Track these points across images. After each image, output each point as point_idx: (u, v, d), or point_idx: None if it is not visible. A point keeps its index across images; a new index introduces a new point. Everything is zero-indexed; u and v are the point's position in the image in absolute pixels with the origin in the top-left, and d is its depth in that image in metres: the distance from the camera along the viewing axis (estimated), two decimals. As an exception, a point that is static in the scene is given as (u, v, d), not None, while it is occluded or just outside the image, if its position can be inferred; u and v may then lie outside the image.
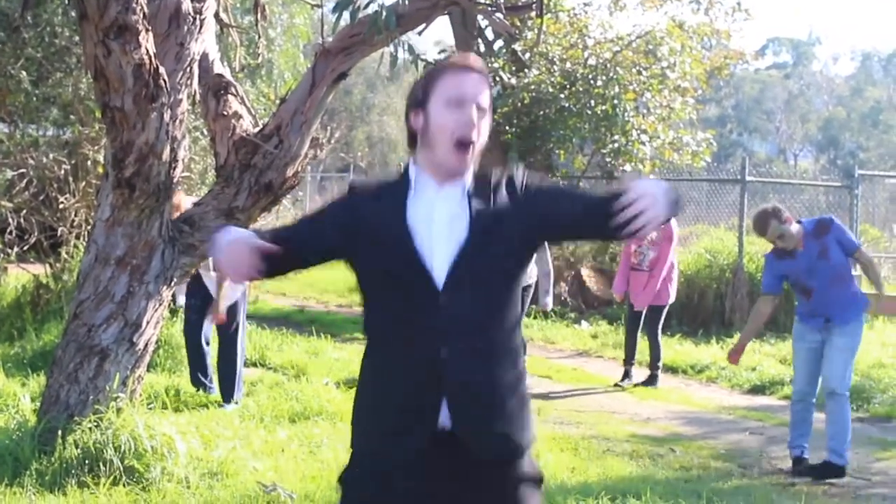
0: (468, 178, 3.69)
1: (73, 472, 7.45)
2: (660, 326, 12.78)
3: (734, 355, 9.41)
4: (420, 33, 8.48)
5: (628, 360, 12.97)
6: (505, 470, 3.67)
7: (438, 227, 3.61)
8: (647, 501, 7.79)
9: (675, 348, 14.49)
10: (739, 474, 9.07)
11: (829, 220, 8.93)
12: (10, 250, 14.17)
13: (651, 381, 12.80)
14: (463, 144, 3.61)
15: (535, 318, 16.73)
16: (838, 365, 8.89)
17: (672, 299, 12.78)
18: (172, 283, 8.15)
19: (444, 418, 3.55)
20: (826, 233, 8.81)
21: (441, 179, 3.68)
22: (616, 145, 16.96)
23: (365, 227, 3.66)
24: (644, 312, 12.71)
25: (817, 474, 8.82)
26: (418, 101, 3.73)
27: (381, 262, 3.65)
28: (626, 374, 12.92)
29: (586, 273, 17.63)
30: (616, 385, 12.72)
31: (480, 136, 3.68)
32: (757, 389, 12.73)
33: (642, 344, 12.92)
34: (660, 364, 12.90)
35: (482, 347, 3.60)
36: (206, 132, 12.98)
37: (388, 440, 3.64)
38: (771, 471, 9.19)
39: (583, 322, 16.53)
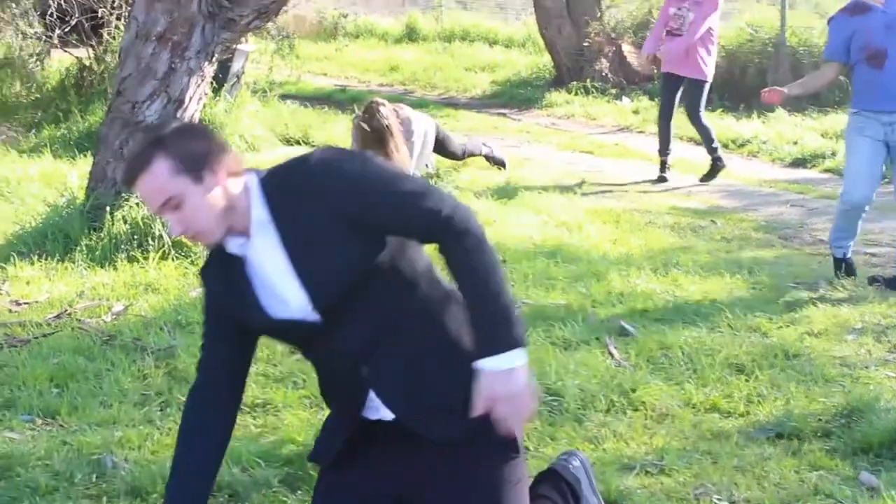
0: (256, 218, 3.31)
1: (122, 246, 7.60)
2: (702, 106, 11.51)
3: (774, 95, 8.04)
4: None
5: (663, 150, 11.67)
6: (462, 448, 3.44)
7: (272, 278, 3.34)
8: (688, 272, 7.88)
9: (716, 123, 14.36)
10: (780, 245, 9.13)
11: None
12: (51, 33, 14.15)
13: (715, 168, 11.53)
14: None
15: (576, 94, 16.64)
16: None
17: (710, 76, 11.41)
18: (214, 60, 8.16)
19: (381, 409, 3.45)
20: None
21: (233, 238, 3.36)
22: None
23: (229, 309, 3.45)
24: (679, 92, 11.42)
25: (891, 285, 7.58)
26: None
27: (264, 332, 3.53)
28: (663, 167, 11.63)
29: (627, 48, 17.42)
30: (658, 180, 11.52)
31: (194, 225, 3.25)
32: (798, 163, 12.60)
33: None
34: (716, 145, 11.55)
35: (395, 340, 3.40)
36: None
37: (333, 424, 3.64)
38: (811, 241, 9.23)
39: (624, 98, 16.40)
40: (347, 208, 3.23)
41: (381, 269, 3.33)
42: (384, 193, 3.25)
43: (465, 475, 3.44)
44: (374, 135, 8.48)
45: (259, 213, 3.29)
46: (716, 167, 11.50)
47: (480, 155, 11.29)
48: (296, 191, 3.27)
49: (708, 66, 11.27)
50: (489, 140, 12.16)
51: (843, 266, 7.74)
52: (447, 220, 3.23)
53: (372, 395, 3.42)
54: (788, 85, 8.36)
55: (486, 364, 3.20)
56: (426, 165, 10.16)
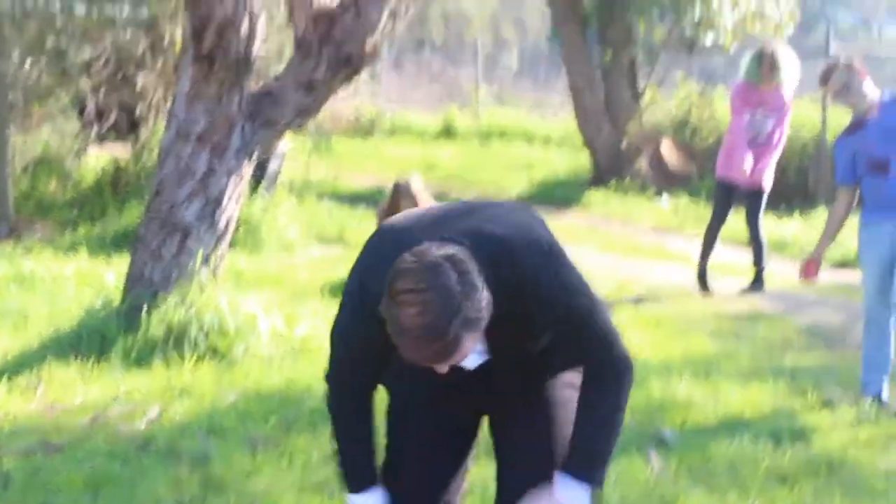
0: None
1: (157, 348, 7.54)
2: (761, 217, 11.04)
3: (810, 268, 7.79)
4: None
5: (705, 254, 11.04)
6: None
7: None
8: (730, 377, 7.74)
9: (757, 223, 14.30)
10: (823, 350, 8.97)
11: None
12: (89, 130, 14.22)
13: (757, 283, 11.05)
14: None
15: (614, 192, 16.61)
16: None
17: (770, 185, 10.97)
18: (252, 159, 8.13)
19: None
20: None
21: None
22: (697, 16, 16.64)
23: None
24: (734, 196, 10.93)
25: None
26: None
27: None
28: (703, 274, 11.01)
29: (666, 147, 17.43)
30: (701, 291, 10.98)
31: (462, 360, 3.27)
32: (841, 265, 12.45)
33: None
34: (764, 264, 11.04)
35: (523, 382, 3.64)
36: (281, 8, 12.89)
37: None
38: (856, 346, 9.04)
39: (663, 197, 16.38)
40: (550, 314, 3.37)
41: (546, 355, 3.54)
42: (583, 320, 3.44)
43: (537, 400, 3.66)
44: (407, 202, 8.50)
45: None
46: (758, 283, 11.06)
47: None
48: (514, 300, 3.29)
49: (770, 175, 10.88)
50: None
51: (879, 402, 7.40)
52: (613, 360, 3.47)
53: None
54: (817, 246, 7.88)
55: (563, 481, 3.44)
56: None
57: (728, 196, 10.93)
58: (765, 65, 10.36)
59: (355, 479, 3.64)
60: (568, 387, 3.66)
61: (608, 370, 3.47)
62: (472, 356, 3.35)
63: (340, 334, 3.56)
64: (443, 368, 3.17)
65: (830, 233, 7.76)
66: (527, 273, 3.30)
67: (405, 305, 3.01)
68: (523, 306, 3.31)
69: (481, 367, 3.48)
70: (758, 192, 10.83)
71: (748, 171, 10.52)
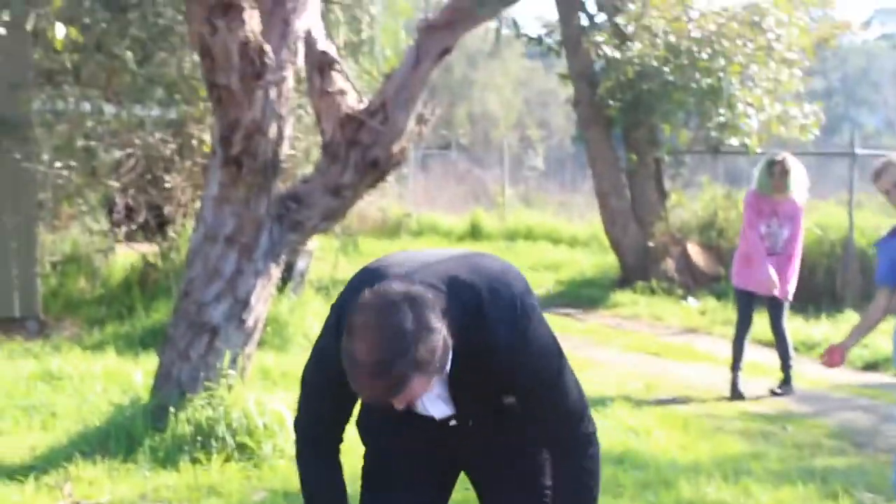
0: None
1: (185, 448, 7.54)
2: (785, 321, 11.00)
3: (835, 355, 7.38)
4: (524, 5, 8.39)
5: (735, 365, 10.95)
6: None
7: (425, 397, 3.44)
8: (759, 479, 7.70)
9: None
10: (853, 452, 8.92)
11: None
12: (118, 230, 14.34)
13: (786, 385, 10.99)
14: None
15: (641, 294, 16.62)
16: None
17: (792, 293, 10.88)
18: (280, 261, 8.17)
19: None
20: None
21: None
22: (722, 119, 16.70)
23: None
24: (755, 303, 10.87)
25: None
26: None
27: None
28: (735, 383, 10.85)
29: (693, 249, 17.44)
30: (735, 397, 10.77)
31: (417, 399, 3.31)
32: (870, 367, 12.40)
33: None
34: (791, 363, 11.00)
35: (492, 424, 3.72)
36: (308, 110, 13.00)
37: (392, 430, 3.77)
38: (886, 449, 9.01)
39: (690, 298, 16.36)
40: (512, 379, 3.45)
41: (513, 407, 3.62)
42: (547, 387, 3.47)
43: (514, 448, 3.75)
44: None
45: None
46: (787, 385, 10.98)
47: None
48: (479, 356, 3.35)
49: (793, 284, 10.78)
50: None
51: None
52: (577, 436, 3.54)
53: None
54: (847, 337, 7.58)
55: None
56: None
57: (749, 304, 10.92)
58: (776, 175, 10.41)
59: None
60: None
61: (571, 445, 3.52)
62: (438, 405, 3.47)
63: (312, 366, 3.66)
64: (398, 405, 3.18)
65: (864, 328, 7.59)
66: (491, 326, 3.33)
67: (357, 340, 3.07)
68: (488, 361, 3.35)
69: (452, 420, 3.57)
70: (779, 301, 10.81)
71: (776, 283, 10.53)
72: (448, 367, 3.27)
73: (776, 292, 10.58)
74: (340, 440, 3.73)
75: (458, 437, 3.67)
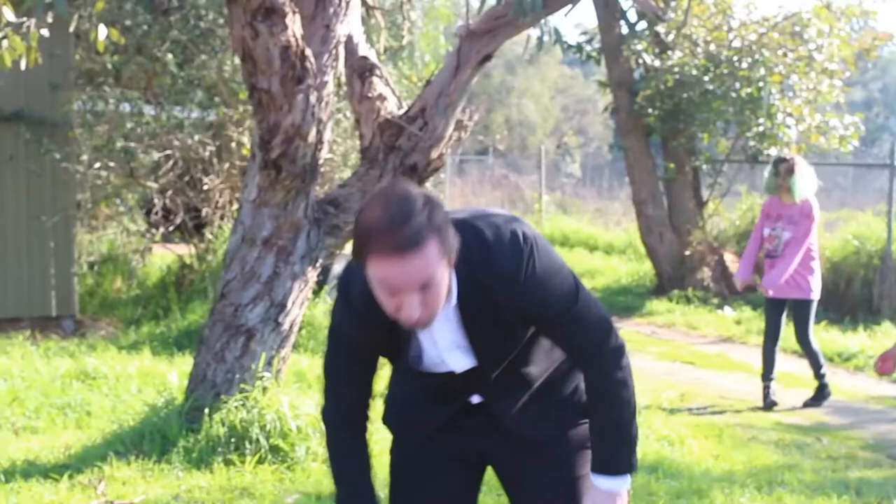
0: (452, 297, 3.38)
1: (219, 449, 7.56)
2: (810, 328, 10.67)
3: (888, 362, 6.96)
4: (566, 14, 8.39)
5: (767, 375, 10.79)
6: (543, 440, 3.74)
7: (443, 347, 3.52)
8: (793, 491, 7.67)
9: (821, 336, 14.13)
10: (889, 465, 8.87)
11: None
12: (155, 230, 14.42)
13: (820, 395, 10.83)
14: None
15: (677, 303, 16.59)
16: None
17: (817, 294, 10.62)
18: (317, 264, 8.19)
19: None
20: None
21: None
22: (761, 129, 16.63)
23: (377, 340, 3.55)
24: (784, 313, 10.67)
25: None
26: (357, 256, 3.20)
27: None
28: (767, 393, 10.72)
29: (729, 258, 17.39)
30: (767, 407, 10.65)
31: (429, 309, 3.22)
32: (906, 379, 12.39)
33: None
34: (824, 371, 10.78)
35: (522, 378, 3.68)
36: (348, 114, 13.04)
37: (419, 413, 3.78)
38: (921, 462, 8.99)
39: (726, 307, 16.31)
40: (528, 313, 3.45)
41: (537, 338, 3.61)
42: (565, 315, 3.47)
43: (545, 450, 3.72)
44: None
45: (452, 300, 3.38)
46: (822, 393, 10.85)
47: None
48: (488, 290, 3.37)
49: (813, 285, 10.54)
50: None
51: None
52: (608, 350, 3.54)
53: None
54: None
55: (599, 481, 3.60)
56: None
57: (774, 312, 10.78)
58: (781, 174, 10.39)
59: None
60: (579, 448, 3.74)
61: (604, 361, 3.55)
62: (456, 356, 3.51)
63: (329, 350, 3.68)
64: (412, 309, 3.17)
65: None
66: (498, 258, 3.36)
67: (370, 210, 3.10)
68: (501, 296, 3.37)
69: (474, 377, 3.59)
70: (803, 303, 10.58)
71: (739, 284, 11.00)
72: (456, 295, 3.36)
73: (770, 293, 10.49)
74: (366, 421, 3.74)
75: (483, 416, 3.68)
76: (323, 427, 3.79)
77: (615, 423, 3.60)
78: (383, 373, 3.72)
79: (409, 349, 3.52)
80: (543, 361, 3.68)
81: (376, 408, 3.81)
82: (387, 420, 3.88)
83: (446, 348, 3.51)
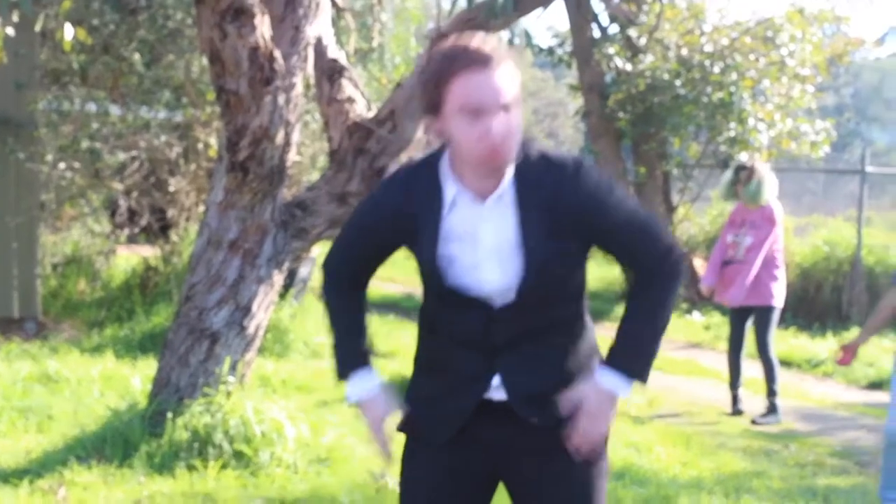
0: (508, 177, 3.42)
1: (182, 454, 7.48)
2: (770, 336, 10.55)
3: (848, 353, 7.59)
4: (538, 17, 8.34)
5: (733, 384, 10.82)
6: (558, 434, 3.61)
7: (484, 249, 3.48)
8: (761, 498, 7.64)
9: (790, 342, 14.15)
10: (856, 472, 8.86)
11: None
12: (120, 232, 14.31)
13: (770, 412, 10.54)
14: (494, 162, 3.34)
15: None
16: None
17: (780, 301, 10.54)
18: (283, 268, 8.11)
19: (495, 390, 3.58)
20: None
21: (477, 190, 3.44)
22: (732, 134, 16.59)
23: (412, 224, 3.56)
24: (749, 320, 10.65)
25: None
26: (430, 107, 3.36)
27: (426, 272, 3.62)
28: (735, 401, 10.75)
29: (699, 263, 17.38)
30: (734, 413, 10.69)
31: (511, 138, 3.31)
32: (874, 385, 12.34)
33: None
34: (776, 388, 10.55)
35: (536, 336, 3.61)
36: (316, 116, 12.96)
37: (439, 403, 3.67)
38: (889, 469, 8.95)
39: (695, 313, 16.32)
40: (589, 212, 3.46)
41: (572, 273, 3.67)
42: (632, 220, 3.54)
43: (559, 457, 3.60)
44: None
45: (509, 175, 3.42)
46: (772, 409, 10.57)
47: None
48: (548, 185, 3.43)
49: (776, 292, 10.44)
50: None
51: None
52: (671, 269, 3.60)
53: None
54: (861, 333, 7.79)
55: (603, 377, 3.59)
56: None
57: (738, 319, 10.77)
58: (741, 180, 10.39)
59: (346, 363, 3.71)
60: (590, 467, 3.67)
61: (664, 276, 3.60)
62: (495, 269, 3.46)
63: (358, 211, 3.76)
64: (499, 126, 3.26)
65: (874, 326, 7.68)
66: (562, 157, 3.47)
67: (446, 45, 3.35)
68: (566, 187, 3.42)
69: (506, 322, 3.54)
70: (765, 310, 10.50)
71: (705, 290, 10.91)
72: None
73: (728, 300, 10.49)
74: (365, 285, 3.80)
75: (498, 428, 3.61)
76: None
77: (647, 336, 3.63)
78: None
79: (439, 242, 3.49)
80: (565, 336, 3.69)
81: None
82: (404, 425, 3.79)
83: (487, 253, 3.46)
